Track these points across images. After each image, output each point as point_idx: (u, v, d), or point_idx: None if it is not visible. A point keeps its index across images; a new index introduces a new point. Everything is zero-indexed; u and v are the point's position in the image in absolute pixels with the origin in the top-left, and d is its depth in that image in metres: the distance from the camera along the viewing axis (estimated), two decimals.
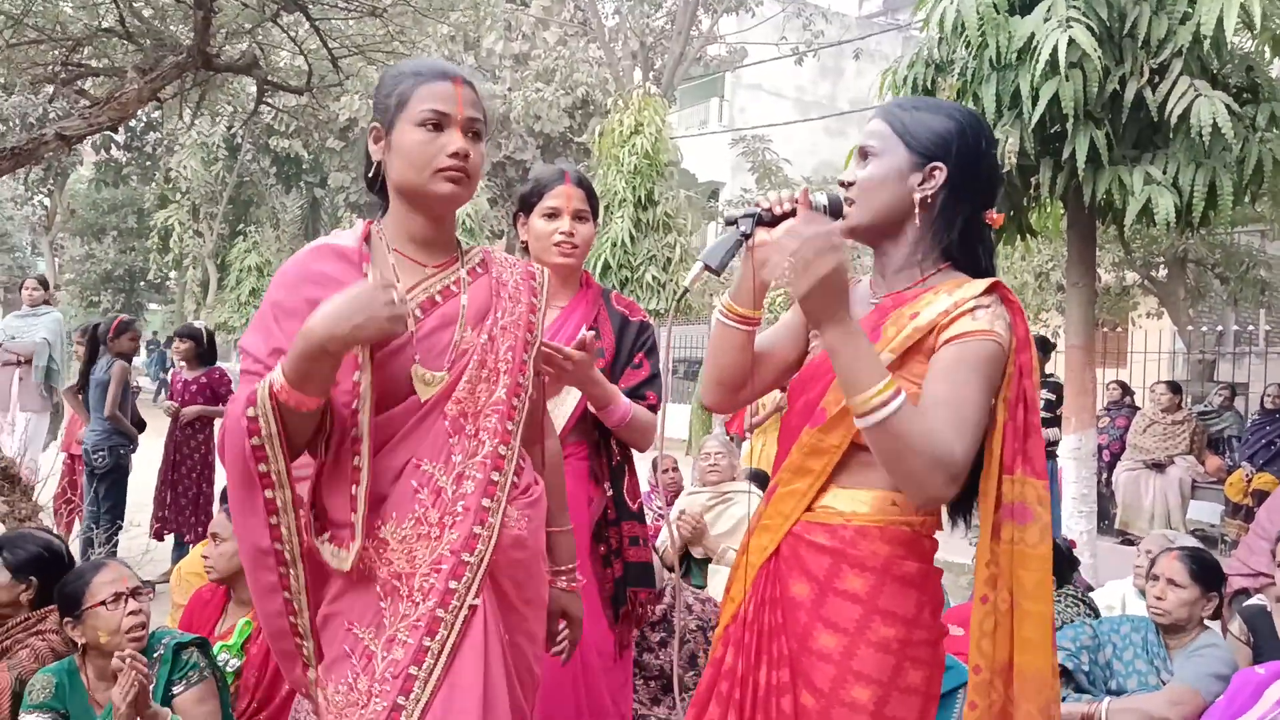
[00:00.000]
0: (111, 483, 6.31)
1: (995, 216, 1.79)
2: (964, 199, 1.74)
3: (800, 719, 1.69)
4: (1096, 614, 3.70)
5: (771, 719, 1.71)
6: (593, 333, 2.36)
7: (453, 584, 1.69)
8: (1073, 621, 3.47)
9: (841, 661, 1.67)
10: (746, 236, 1.77)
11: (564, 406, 2.52)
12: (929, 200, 1.73)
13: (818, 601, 1.71)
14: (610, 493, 2.59)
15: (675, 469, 5.48)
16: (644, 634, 3.36)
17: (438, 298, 1.79)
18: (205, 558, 3.43)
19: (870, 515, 1.71)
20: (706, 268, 1.73)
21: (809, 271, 1.54)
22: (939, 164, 1.72)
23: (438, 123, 1.73)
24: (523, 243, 2.64)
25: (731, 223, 1.79)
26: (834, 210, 1.79)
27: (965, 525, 1.91)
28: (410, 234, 1.81)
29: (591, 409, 2.49)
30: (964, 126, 1.74)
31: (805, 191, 1.79)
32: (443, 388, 1.74)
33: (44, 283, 7.91)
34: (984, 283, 1.70)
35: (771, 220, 1.78)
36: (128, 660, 2.40)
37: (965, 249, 1.76)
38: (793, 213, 1.77)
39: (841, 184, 1.80)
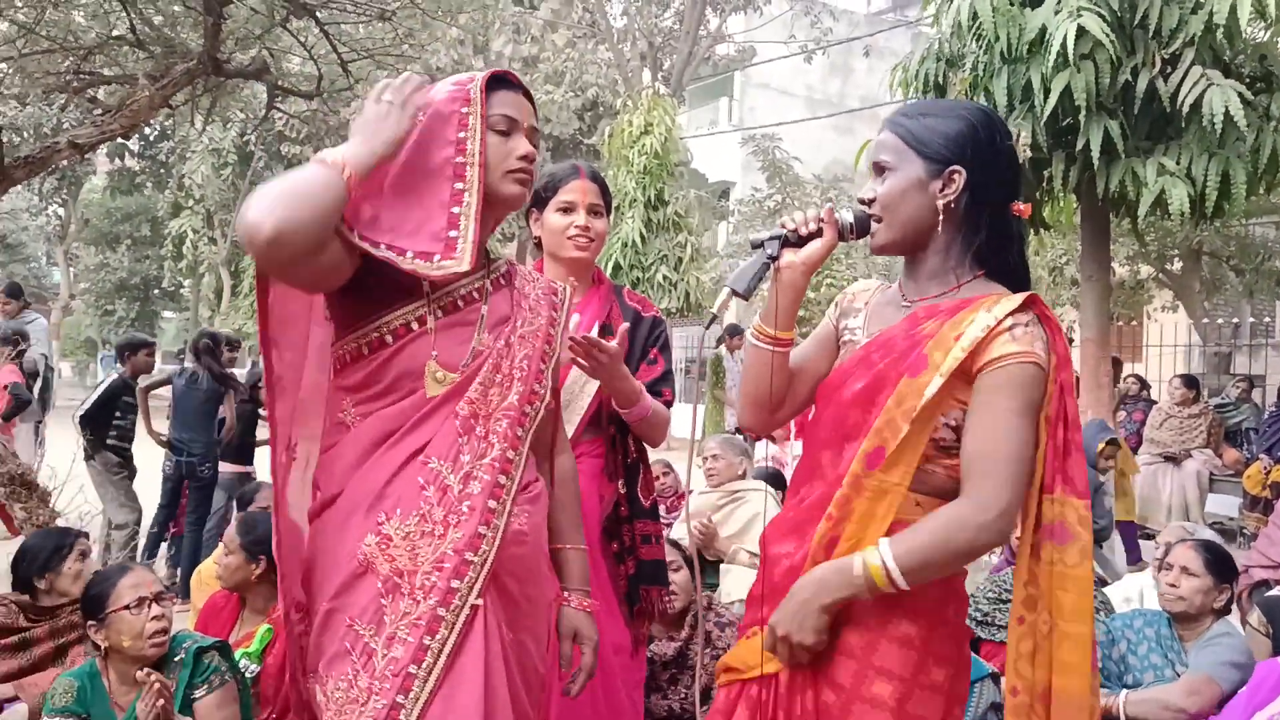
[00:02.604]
0: (209, 492, 6.42)
1: (1022, 207, 1.77)
2: (987, 197, 1.72)
3: (821, 716, 1.68)
4: (1109, 608, 3.67)
5: (794, 716, 1.71)
6: (625, 325, 2.35)
7: (455, 583, 1.69)
8: None
9: (863, 657, 1.66)
10: (773, 259, 1.76)
11: (577, 404, 2.51)
12: (952, 205, 1.71)
13: None
14: (624, 490, 2.58)
15: (666, 473, 5.17)
16: (653, 673, 3.25)
17: (460, 301, 1.81)
18: (217, 564, 3.47)
19: (895, 515, 1.68)
20: (734, 293, 1.72)
21: (802, 633, 1.65)
22: (957, 167, 1.70)
23: (507, 129, 1.81)
24: (535, 239, 2.62)
25: (758, 245, 1.78)
26: (860, 228, 1.78)
27: None
28: None
29: (615, 406, 2.48)
30: (975, 124, 1.72)
31: (830, 210, 1.79)
32: (454, 387, 1.76)
33: (13, 292, 7.54)
34: (1020, 298, 1.67)
35: (798, 241, 1.78)
36: (151, 683, 2.41)
37: (995, 249, 1.74)
38: (819, 232, 1.77)
39: (862, 201, 1.79)
